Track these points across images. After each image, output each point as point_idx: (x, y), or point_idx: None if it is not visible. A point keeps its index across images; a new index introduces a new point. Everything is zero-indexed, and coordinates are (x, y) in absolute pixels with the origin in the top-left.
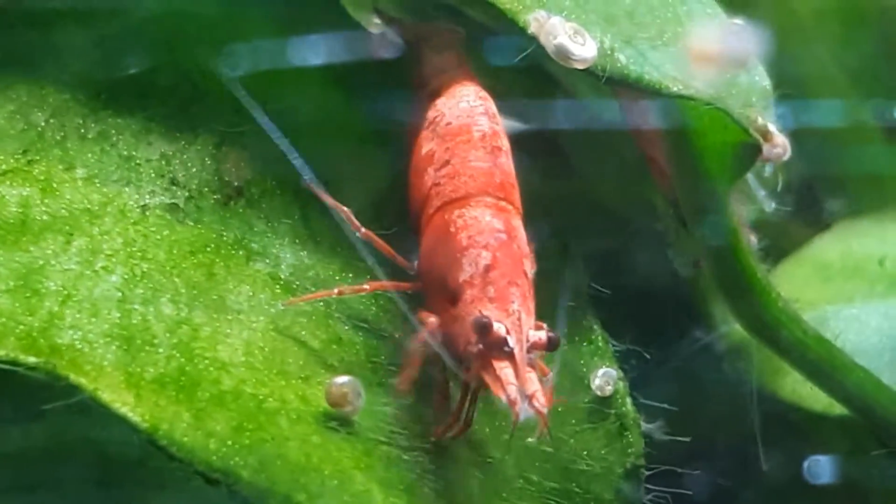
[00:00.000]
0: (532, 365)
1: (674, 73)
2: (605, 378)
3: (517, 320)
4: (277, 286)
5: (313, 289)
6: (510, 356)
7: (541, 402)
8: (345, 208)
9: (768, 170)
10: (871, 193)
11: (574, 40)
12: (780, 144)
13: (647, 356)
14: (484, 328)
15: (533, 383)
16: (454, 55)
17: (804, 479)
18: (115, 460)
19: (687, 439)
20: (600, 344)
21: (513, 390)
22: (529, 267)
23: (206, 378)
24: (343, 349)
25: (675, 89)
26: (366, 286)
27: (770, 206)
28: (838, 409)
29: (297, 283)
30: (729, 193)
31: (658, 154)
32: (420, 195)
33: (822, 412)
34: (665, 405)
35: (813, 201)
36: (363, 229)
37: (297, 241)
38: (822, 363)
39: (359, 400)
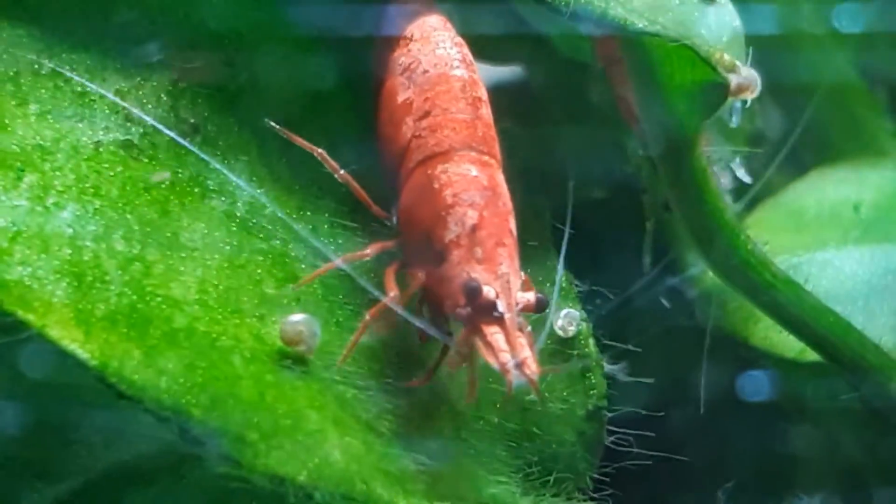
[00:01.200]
0: (521, 328)
1: (640, 10)
2: (567, 318)
3: (506, 283)
4: (233, 224)
5: (269, 227)
6: (500, 320)
7: (532, 369)
8: (319, 150)
9: (735, 120)
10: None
11: None
12: (749, 79)
13: (611, 297)
14: (473, 292)
15: (524, 349)
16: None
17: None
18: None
19: (650, 381)
20: (563, 284)
21: (505, 357)
22: (514, 224)
23: (158, 315)
24: (299, 288)
25: (640, 25)
26: (368, 251)
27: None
28: (811, 355)
29: (254, 220)
30: (699, 133)
31: (628, 94)
32: (397, 146)
33: (794, 359)
34: (629, 346)
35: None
36: (341, 171)
37: (253, 178)
38: (791, 307)
39: (314, 339)
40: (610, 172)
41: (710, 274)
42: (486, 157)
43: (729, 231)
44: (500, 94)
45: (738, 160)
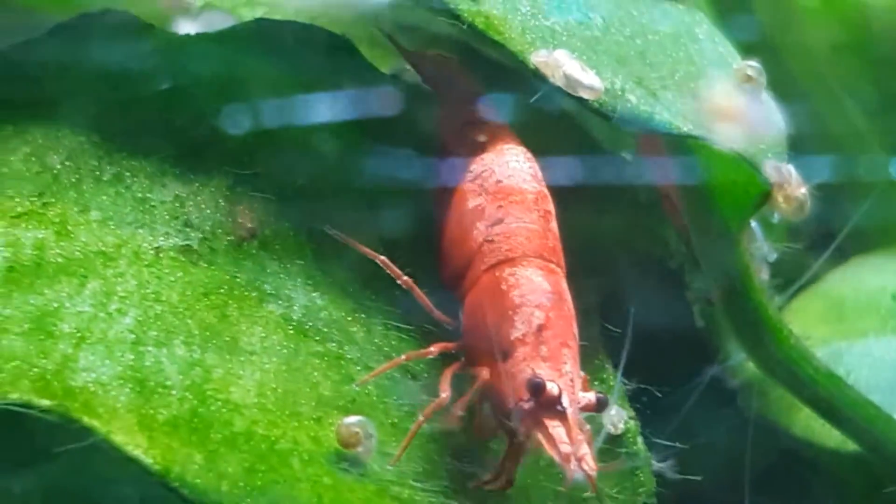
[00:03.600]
0: (580, 427)
1: (685, 112)
2: (616, 417)
3: (569, 381)
4: (290, 327)
5: (325, 330)
6: (562, 416)
7: (591, 465)
8: (381, 257)
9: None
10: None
11: (582, 70)
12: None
13: (659, 395)
14: (538, 387)
15: (584, 445)
16: (472, 89)
17: None
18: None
19: (699, 478)
20: (611, 383)
21: (566, 449)
22: (576, 329)
23: (218, 420)
24: (355, 390)
25: (685, 129)
26: (432, 349)
27: (772, 256)
28: (851, 445)
29: (310, 323)
30: (741, 232)
31: (671, 191)
32: (466, 248)
33: (836, 448)
34: (677, 444)
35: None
36: (404, 276)
37: (309, 282)
38: (833, 400)
39: (370, 440)
40: (654, 268)
41: (752, 366)
42: (553, 266)
43: (772, 327)
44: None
45: (771, 253)
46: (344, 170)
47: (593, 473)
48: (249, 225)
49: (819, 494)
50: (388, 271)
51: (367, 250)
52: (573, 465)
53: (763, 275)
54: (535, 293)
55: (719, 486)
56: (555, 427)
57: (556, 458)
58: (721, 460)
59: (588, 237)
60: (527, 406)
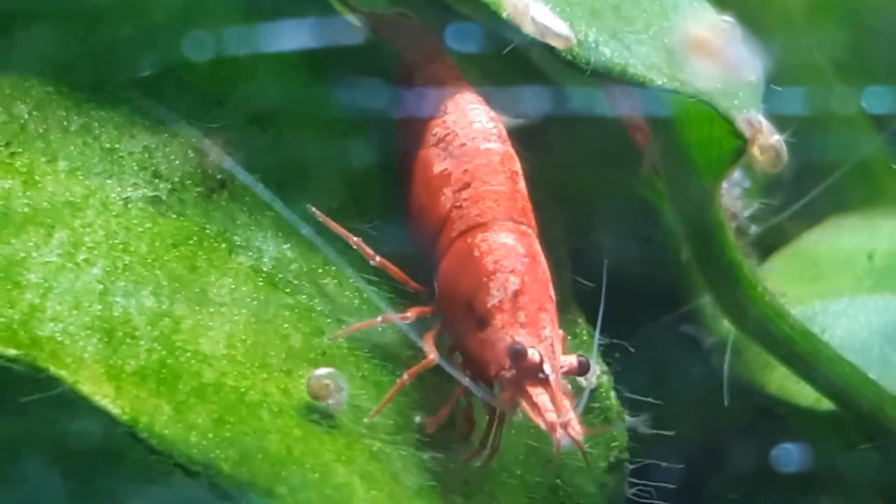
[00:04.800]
0: (565, 391)
1: (659, 66)
2: (589, 372)
3: (550, 346)
4: (260, 279)
5: (296, 282)
6: (544, 382)
7: (576, 430)
8: (355, 238)
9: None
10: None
11: (552, 17)
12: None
13: (632, 350)
14: (518, 354)
15: (569, 410)
16: (431, 46)
17: (784, 472)
18: (96, 453)
19: (671, 433)
20: (584, 337)
21: (552, 417)
22: (553, 291)
23: (187, 371)
24: (326, 343)
25: (659, 82)
26: (409, 314)
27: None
28: (826, 404)
29: (280, 275)
30: (716, 188)
31: (639, 120)
32: (435, 215)
33: (810, 407)
34: (650, 399)
35: (802, 196)
36: (377, 258)
37: (279, 233)
38: (808, 357)
39: (341, 393)
40: (627, 223)
41: (726, 322)
42: (524, 227)
43: (746, 283)
44: (520, 146)
45: (744, 211)
46: (311, 102)
47: (580, 438)
48: (219, 176)
49: (793, 453)
50: (361, 252)
51: (343, 231)
52: (559, 432)
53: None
54: (509, 258)
55: (692, 443)
56: (539, 395)
57: (542, 426)
58: (694, 418)
59: (560, 192)
60: (508, 374)
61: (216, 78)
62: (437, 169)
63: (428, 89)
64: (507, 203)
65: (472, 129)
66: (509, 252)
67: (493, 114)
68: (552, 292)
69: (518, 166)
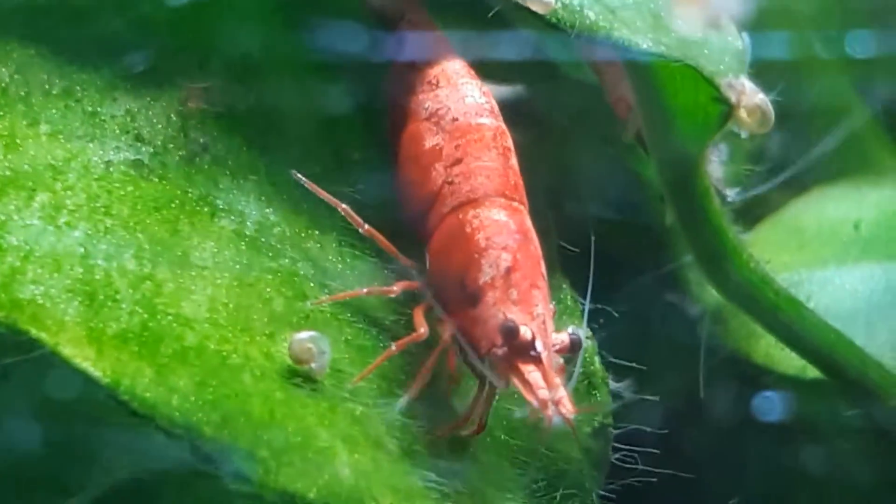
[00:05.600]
0: (556, 367)
1: (644, 30)
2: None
3: (542, 323)
4: (243, 243)
5: (278, 246)
6: (536, 360)
7: (568, 408)
8: (344, 205)
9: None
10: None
11: None
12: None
13: (616, 315)
14: (511, 332)
15: (560, 388)
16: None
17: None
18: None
19: (655, 398)
20: (569, 303)
21: (544, 395)
22: (544, 268)
23: (169, 334)
24: (308, 307)
25: (644, 46)
26: (395, 287)
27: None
28: (812, 372)
29: (263, 239)
30: (703, 153)
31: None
32: (426, 189)
33: (796, 376)
34: (634, 364)
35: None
36: (366, 226)
37: (262, 197)
38: (793, 324)
39: (323, 357)
40: (613, 190)
41: (713, 291)
42: (516, 204)
43: (732, 250)
44: (506, 115)
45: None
46: (299, 86)
47: (571, 416)
48: (202, 140)
49: (778, 421)
50: (349, 220)
51: (330, 197)
52: (551, 409)
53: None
54: (501, 234)
55: (676, 409)
56: (531, 372)
57: (534, 403)
58: (678, 385)
59: (547, 163)
60: (500, 351)
61: (198, 38)
62: (428, 143)
63: (417, 59)
64: (500, 179)
65: (464, 104)
66: (501, 229)
67: (485, 88)
68: (544, 270)
69: (510, 142)
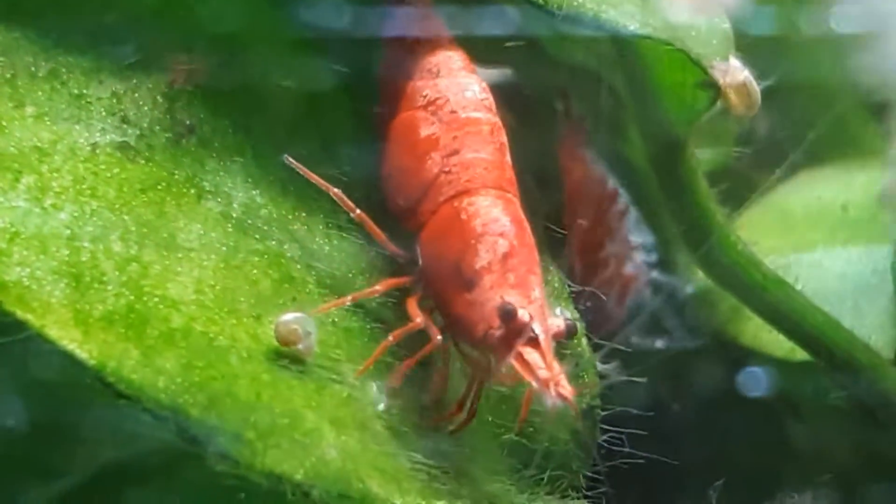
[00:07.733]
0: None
1: (632, 12)
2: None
3: (539, 307)
4: (229, 225)
5: (265, 228)
6: (534, 342)
7: (567, 389)
8: (336, 190)
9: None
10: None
11: None
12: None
13: (603, 297)
14: (509, 313)
15: (559, 370)
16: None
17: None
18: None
19: (642, 380)
20: (556, 285)
21: (543, 375)
22: (538, 258)
23: (155, 315)
24: (295, 288)
25: (632, 27)
26: (378, 287)
27: None
28: (800, 354)
29: (250, 221)
30: (690, 134)
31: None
32: (420, 178)
33: (784, 357)
34: (621, 347)
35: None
36: (357, 211)
37: (249, 179)
38: (781, 306)
39: (310, 338)
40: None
41: (701, 273)
42: (510, 196)
43: (719, 232)
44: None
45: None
46: (287, 67)
47: (571, 397)
48: (188, 122)
49: (766, 403)
50: (342, 205)
51: (322, 182)
52: (551, 389)
53: None
54: (498, 222)
55: (665, 392)
56: (529, 353)
57: (534, 383)
58: (668, 367)
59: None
60: (498, 333)
61: (184, 18)
62: (424, 132)
63: (416, 44)
64: (496, 172)
65: (464, 98)
66: (498, 217)
67: (484, 84)
68: (539, 259)
69: (505, 138)
